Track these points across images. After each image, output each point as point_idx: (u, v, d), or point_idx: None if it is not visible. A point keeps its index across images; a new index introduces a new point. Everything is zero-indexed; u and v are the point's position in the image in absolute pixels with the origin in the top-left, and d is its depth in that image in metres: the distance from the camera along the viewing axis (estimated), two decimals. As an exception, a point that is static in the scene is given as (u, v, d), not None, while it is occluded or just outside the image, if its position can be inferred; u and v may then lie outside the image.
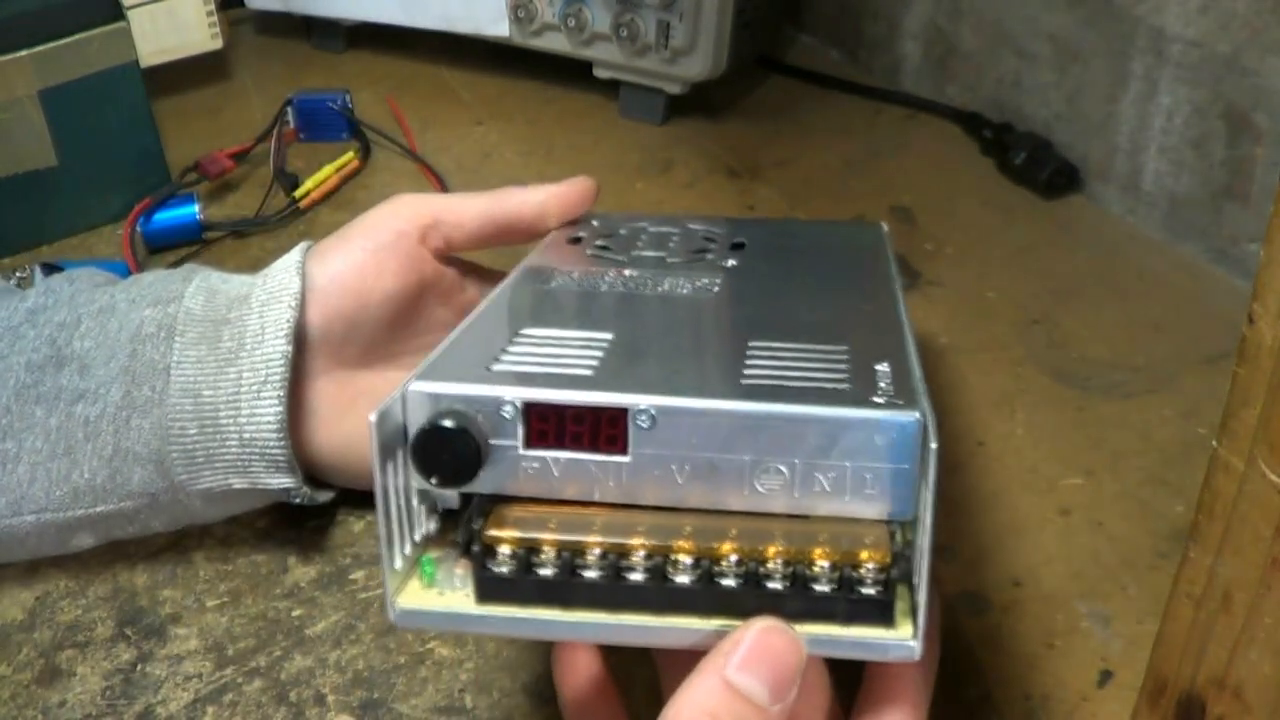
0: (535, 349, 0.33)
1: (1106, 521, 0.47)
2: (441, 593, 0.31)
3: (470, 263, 0.51)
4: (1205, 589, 0.28)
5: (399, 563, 0.31)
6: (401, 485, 0.31)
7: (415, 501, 0.32)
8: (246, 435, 0.42)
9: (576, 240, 0.47)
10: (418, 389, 0.31)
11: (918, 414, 0.29)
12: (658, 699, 0.32)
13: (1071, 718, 0.39)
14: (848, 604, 0.29)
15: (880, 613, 0.29)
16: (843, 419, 0.29)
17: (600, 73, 0.79)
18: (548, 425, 0.30)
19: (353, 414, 0.46)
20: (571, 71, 0.81)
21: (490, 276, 0.51)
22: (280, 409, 0.42)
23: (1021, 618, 0.43)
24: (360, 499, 0.48)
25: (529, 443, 0.30)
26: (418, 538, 0.32)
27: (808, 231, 0.51)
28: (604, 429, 0.30)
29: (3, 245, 0.66)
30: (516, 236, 0.49)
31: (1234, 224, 0.61)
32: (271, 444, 0.42)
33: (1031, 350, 0.57)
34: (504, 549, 0.30)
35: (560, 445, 0.30)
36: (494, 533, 0.30)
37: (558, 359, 0.33)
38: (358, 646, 0.42)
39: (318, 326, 0.45)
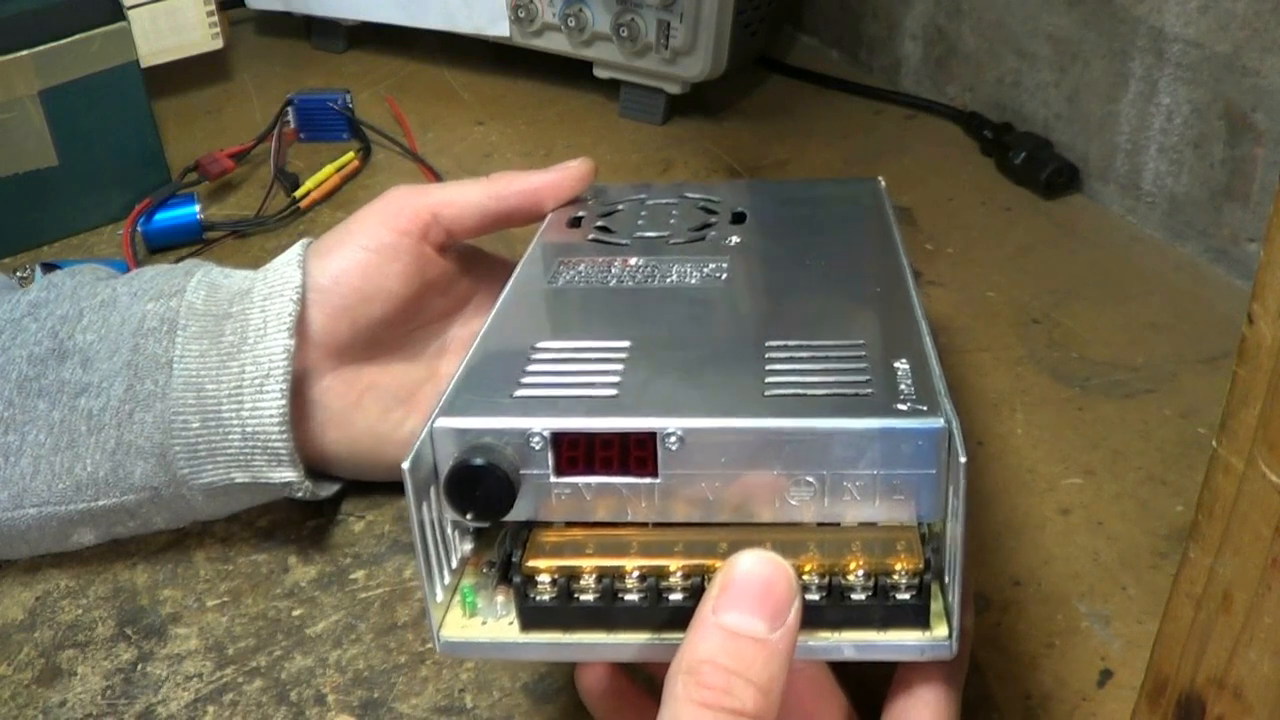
0: (554, 366, 0.33)
1: (1106, 521, 0.47)
2: (484, 622, 0.31)
3: (468, 247, 0.51)
4: (1205, 589, 0.28)
5: (440, 594, 0.31)
6: (436, 519, 0.31)
7: (450, 531, 0.32)
8: (249, 429, 0.42)
9: (576, 222, 0.47)
10: (444, 425, 0.30)
11: (942, 420, 0.29)
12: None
13: (1071, 718, 0.39)
14: (883, 610, 0.29)
15: (916, 616, 0.30)
16: (869, 430, 0.29)
17: (600, 73, 0.79)
18: (577, 452, 0.30)
19: (362, 408, 0.46)
20: (571, 71, 0.81)
21: (486, 260, 0.51)
22: (283, 402, 0.42)
23: (1021, 617, 0.43)
24: (361, 497, 0.48)
25: (560, 470, 0.30)
26: (454, 564, 0.32)
27: (805, 194, 0.51)
28: (633, 453, 0.30)
29: (3, 245, 0.66)
30: (515, 222, 0.49)
31: (1234, 224, 0.61)
32: (273, 437, 0.42)
33: (1031, 350, 0.57)
34: (544, 578, 0.30)
35: (590, 471, 0.30)
36: (533, 563, 0.30)
37: (579, 377, 0.32)
38: (358, 646, 0.42)
39: (321, 325, 0.45)
